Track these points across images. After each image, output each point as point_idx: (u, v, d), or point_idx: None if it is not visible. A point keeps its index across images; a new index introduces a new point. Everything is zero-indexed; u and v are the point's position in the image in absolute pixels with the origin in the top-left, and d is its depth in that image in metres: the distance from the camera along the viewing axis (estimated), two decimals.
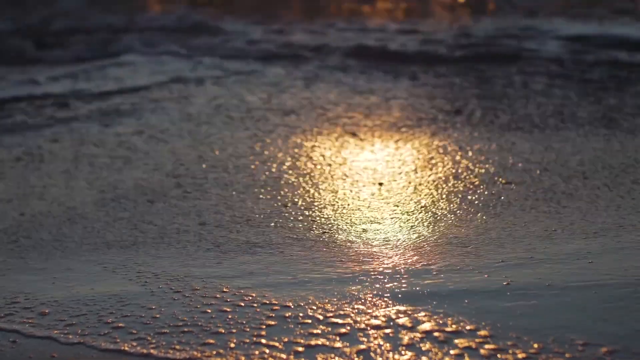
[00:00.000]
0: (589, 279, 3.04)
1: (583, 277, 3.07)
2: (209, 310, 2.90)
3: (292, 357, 2.56)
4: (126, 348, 2.65)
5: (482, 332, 2.65)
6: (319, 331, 2.72)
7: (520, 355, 2.51)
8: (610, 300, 2.87)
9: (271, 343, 2.64)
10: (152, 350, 2.63)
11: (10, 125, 6.13)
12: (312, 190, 4.34)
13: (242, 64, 8.34)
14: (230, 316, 2.85)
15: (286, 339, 2.66)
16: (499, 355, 2.51)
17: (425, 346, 2.59)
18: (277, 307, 2.91)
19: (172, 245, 3.63)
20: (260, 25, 10.62)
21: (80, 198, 4.32)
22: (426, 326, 2.71)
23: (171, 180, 4.56)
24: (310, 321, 2.79)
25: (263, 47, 9.15)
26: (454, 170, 4.64)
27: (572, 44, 8.62)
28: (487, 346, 2.56)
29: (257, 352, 2.59)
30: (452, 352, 2.55)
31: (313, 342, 2.65)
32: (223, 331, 2.74)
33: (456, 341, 2.60)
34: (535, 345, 2.55)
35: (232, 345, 2.64)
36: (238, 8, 13.46)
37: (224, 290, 3.07)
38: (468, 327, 2.68)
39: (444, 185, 4.43)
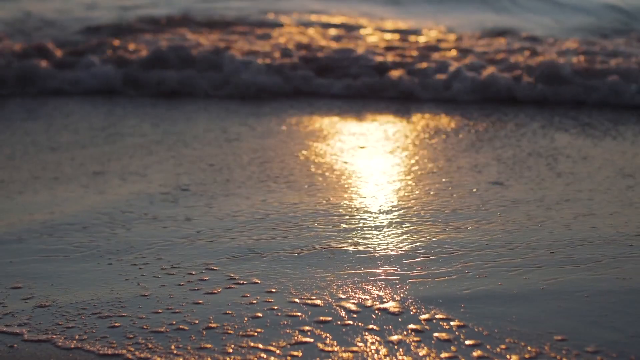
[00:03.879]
0: (584, 285, 3.04)
1: (579, 283, 3.07)
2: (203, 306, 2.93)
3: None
4: (124, 352, 2.65)
5: (477, 337, 2.65)
6: (309, 329, 2.73)
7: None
8: (606, 306, 2.87)
9: (267, 348, 2.65)
10: (148, 355, 2.63)
11: None
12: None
13: None
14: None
15: (277, 334, 2.67)
16: None
17: (419, 350, 2.59)
18: (271, 301, 2.96)
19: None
20: None
21: None
22: (421, 330, 2.71)
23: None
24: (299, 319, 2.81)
25: None
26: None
27: None
28: (481, 350, 2.57)
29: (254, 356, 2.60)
30: (443, 355, 2.56)
31: (304, 340, 2.67)
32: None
33: (451, 345, 2.61)
34: (532, 350, 2.56)
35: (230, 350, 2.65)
36: None
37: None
38: (463, 331, 2.69)
39: (437, 189, 4.43)
